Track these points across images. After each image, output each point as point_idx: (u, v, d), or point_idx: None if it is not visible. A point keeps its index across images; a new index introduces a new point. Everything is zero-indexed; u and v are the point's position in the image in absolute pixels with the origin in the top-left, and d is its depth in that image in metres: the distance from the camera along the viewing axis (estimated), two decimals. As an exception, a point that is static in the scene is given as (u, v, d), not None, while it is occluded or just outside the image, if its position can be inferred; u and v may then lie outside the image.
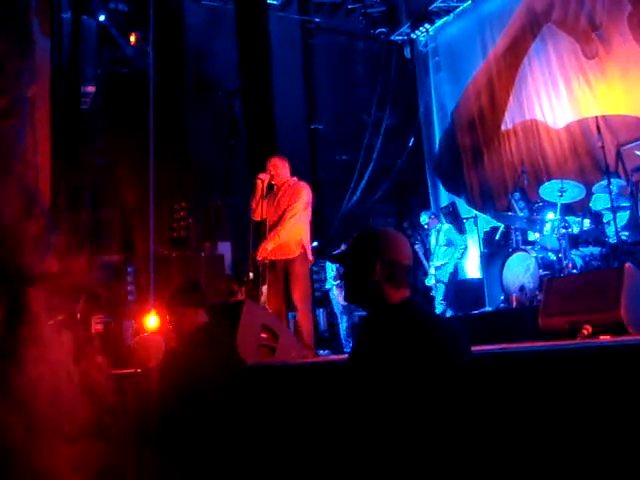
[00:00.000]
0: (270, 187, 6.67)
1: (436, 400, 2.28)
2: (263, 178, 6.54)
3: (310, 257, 6.55)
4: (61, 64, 9.44)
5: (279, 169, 6.62)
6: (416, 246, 10.36)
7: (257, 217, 6.55)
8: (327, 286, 10.44)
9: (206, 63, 10.98)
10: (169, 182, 9.67)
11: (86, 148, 9.71)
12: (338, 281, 10.03)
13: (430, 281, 9.96)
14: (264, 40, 9.73)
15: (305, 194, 6.56)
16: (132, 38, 10.32)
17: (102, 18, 10.34)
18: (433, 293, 9.89)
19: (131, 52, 10.29)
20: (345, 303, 9.36)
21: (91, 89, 10.11)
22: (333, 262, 9.07)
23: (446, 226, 10.18)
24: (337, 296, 10.20)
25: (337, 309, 10.28)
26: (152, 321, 7.26)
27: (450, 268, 9.84)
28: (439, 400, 2.28)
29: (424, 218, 10.22)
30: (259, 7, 9.90)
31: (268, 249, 6.40)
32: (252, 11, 9.76)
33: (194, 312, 4.32)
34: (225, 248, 10.46)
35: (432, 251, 10.07)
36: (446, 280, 9.78)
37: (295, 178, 6.70)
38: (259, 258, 6.43)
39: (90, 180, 9.70)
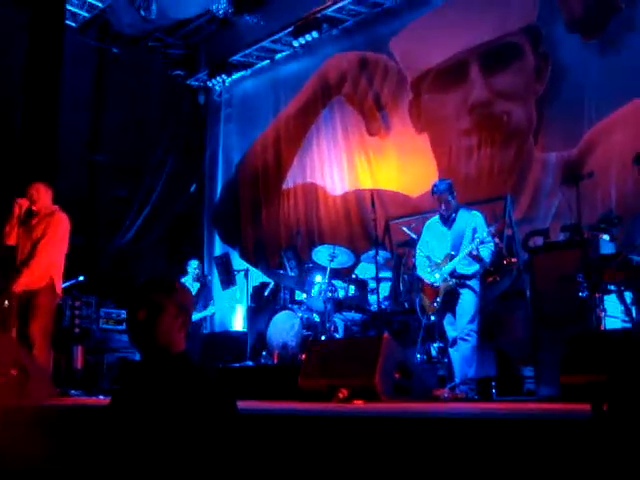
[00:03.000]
0: (29, 214, 6.47)
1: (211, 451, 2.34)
2: (22, 203, 6.40)
3: (58, 291, 6.46)
4: None
5: (42, 195, 6.51)
6: None
7: (10, 242, 6.40)
8: None
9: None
10: None
11: None
12: None
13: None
14: (56, 58, 9.28)
15: (62, 226, 6.50)
16: None
17: None
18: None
19: None
20: None
21: None
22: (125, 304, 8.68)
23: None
24: None
25: None
26: None
27: None
28: (213, 451, 2.35)
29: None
30: (55, 25, 9.46)
31: (24, 283, 6.24)
32: (47, 28, 9.31)
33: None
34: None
35: None
36: None
37: (56, 207, 6.58)
38: (16, 291, 6.22)
39: None
